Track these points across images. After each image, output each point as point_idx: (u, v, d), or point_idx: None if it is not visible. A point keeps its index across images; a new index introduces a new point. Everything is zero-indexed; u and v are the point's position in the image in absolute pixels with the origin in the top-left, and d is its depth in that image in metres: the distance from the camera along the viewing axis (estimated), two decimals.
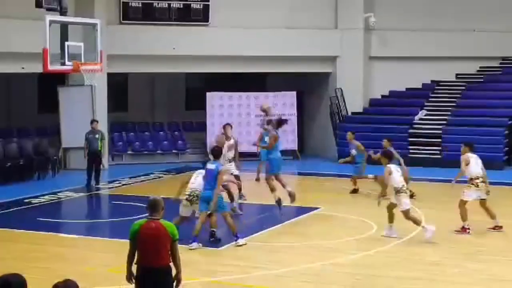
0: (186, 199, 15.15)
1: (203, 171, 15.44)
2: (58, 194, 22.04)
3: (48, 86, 28.08)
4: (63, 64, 18.49)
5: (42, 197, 21.23)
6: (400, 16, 31.33)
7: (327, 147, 30.64)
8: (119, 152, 29.79)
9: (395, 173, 15.81)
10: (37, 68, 18.76)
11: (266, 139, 24.58)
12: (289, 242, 15.71)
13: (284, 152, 29.06)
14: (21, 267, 11.15)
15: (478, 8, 31.75)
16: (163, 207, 9.02)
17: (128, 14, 28.30)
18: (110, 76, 27.49)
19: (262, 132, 25.34)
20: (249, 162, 27.14)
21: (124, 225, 15.77)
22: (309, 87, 32.50)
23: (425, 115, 30.05)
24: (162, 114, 32.91)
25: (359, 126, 29.66)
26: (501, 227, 16.37)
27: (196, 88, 33.59)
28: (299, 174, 27.65)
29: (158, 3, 28.56)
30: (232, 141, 19.14)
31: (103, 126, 25.63)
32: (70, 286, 6.12)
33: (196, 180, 15.37)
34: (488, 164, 25.26)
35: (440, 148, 28.38)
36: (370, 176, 21.57)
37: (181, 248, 9.25)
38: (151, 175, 25.76)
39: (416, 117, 29.92)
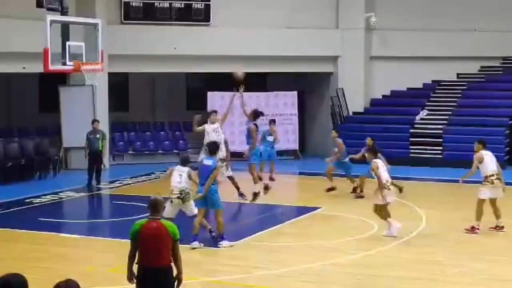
0: (178, 197, 15.10)
1: (184, 169, 15.39)
2: (59, 194, 22.05)
3: (49, 86, 28.10)
4: (64, 64, 18.48)
5: (43, 197, 21.24)
6: (401, 16, 31.34)
7: (328, 147, 30.52)
8: (120, 152, 29.80)
9: (381, 168, 15.97)
10: (38, 68, 18.76)
11: (269, 138, 24.70)
12: (289, 242, 15.71)
13: (285, 152, 29.34)
14: (22, 267, 11.15)
15: (479, 8, 31.76)
16: (164, 207, 9.03)
17: (129, 14, 28.30)
18: (111, 76, 27.50)
19: (263, 132, 25.45)
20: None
21: (125, 225, 15.78)
22: (310, 87, 32.50)
23: (426, 115, 30.05)
24: (163, 114, 32.91)
25: (360, 126, 29.71)
26: (502, 227, 16.36)
27: (197, 88, 33.58)
28: (300, 173, 27.67)
29: (159, 3, 28.57)
30: (216, 125, 19.25)
31: (104, 126, 25.64)
32: (71, 286, 6.12)
33: (182, 179, 15.33)
34: None
35: (441, 148, 28.37)
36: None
37: (181, 248, 9.25)
38: (152, 175, 25.75)
39: (417, 117, 29.92)
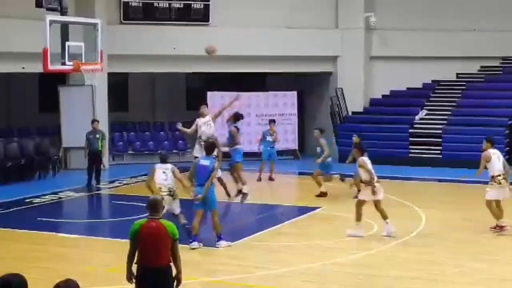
0: (168, 194, 15.15)
1: (167, 165, 15.58)
2: (59, 194, 22.05)
3: (49, 86, 28.09)
4: (64, 64, 18.46)
5: (42, 197, 21.24)
6: (401, 15, 31.34)
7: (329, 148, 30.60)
8: (120, 152, 29.78)
9: (368, 166, 16.03)
10: (38, 68, 18.73)
11: (268, 138, 24.72)
12: (289, 242, 15.72)
13: (284, 152, 29.34)
14: (21, 267, 11.15)
15: (478, 8, 31.76)
16: (164, 207, 9.03)
17: (128, 14, 28.29)
18: (111, 76, 27.49)
19: (263, 132, 25.48)
20: (249, 162, 27.21)
21: (125, 225, 15.76)
22: (309, 87, 32.51)
23: (425, 115, 30.05)
24: (162, 114, 32.90)
25: (360, 126, 29.68)
26: (502, 227, 16.33)
27: (197, 87, 33.58)
28: (300, 173, 27.66)
29: (158, 3, 28.57)
30: (207, 118, 19.42)
31: (103, 126, 25.64)
32: (71, 286, 6.12)
33: (167, 176, 15.43)
34: None
35: (440, 148, 28.37)
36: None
37: (181, 248, 9.26)
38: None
39: (417, 117, 29.92)
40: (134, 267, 8.99)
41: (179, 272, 9.02)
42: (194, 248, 14.54)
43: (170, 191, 15.25)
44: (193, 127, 19.55)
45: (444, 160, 27.64)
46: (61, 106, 27.27)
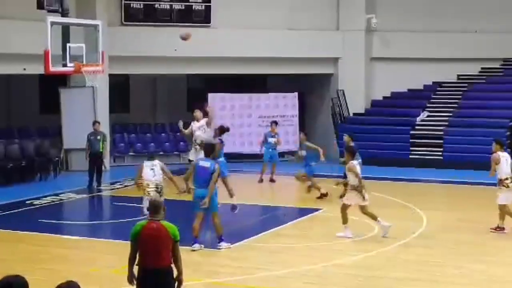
0: (155, 190, 15.41)
1: (155, 162, 15.98)
2: (60, 195, 22.04)
3: (50, 87, 28.10)
4: (65, 65, 18.50)
5: (43, 199, 21.23)
6: (402, 17, 31.34)
7: (329, 148, 30.59)
8: (121, 154, 29.78)
9: (358, 171, 16.01)
10: (39, 69, 18.77)
11: (270, 139, 24.69)
12: (290, 243, 15.72)
13: (285, 153, 29.31)
14: (23, 269, 11.16)
15: (479, 9, 31.76)
16: (165, 208, 9.04)
17: (129, 15, 28.29)
18: (112, 77, 27.50)
19: (265, 133, 25.47)
20: (250, 163, 27.25)
21: (126, 226, 15.78)
22: (310, 88, 32.51)
23: (426, 116, 30.05)
24: (163, 115, 32.91)
25: (361, 127, 29.71)
26: (503, 228, 16.32)
27: (198, 89, 33.59)
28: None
29: (159, 4, 28.57)
30: (202, 122, 19.34)
31: (104, 127, 25.65)
32: None
33: (155, 172, 15.83)
34: (490, 165, 25.43)
35: (441, 149, 28.36)
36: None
37: (182, 249, 9.25)
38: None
39: (418, 118, 29.92)
40: (135, 269, 8.99)
41: (180, 273, 9.02)
42: (195, 250, 14.54)
43: (157, 187, 15.67)
44: (189, 129, 19.62)
45: (445, 162, 27.64)
46: (62, 107, 27.28)
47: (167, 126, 32.07)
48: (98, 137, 23.63)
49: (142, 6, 28.39)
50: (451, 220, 18.15)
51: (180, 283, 9.04)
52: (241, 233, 16.38)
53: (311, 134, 32.02)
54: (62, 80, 27.22)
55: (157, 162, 16.10)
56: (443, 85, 31.91)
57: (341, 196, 20.13)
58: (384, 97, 31.90)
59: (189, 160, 18.74)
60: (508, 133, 27.95)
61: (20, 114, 30.77)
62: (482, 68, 32.52)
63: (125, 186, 23.85)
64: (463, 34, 31.42)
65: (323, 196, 20.75)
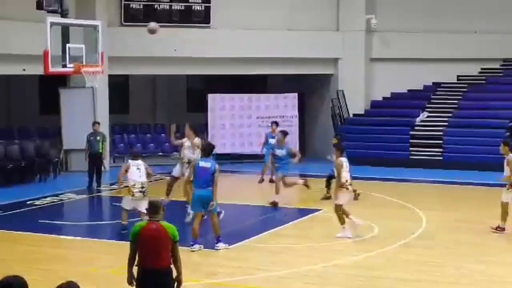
0: (140, 191, 15.63)
1: (139, 162, 16.18)
2: (60, 196, 22.04)
3: (50, 87, 28.09)
4: (64, 66, 18.49)
5: (43, 199, 21.23)
6: (402, 17, 31.34)
7: (329, 149, 30.56)
8: (121, 154, 29.73)
9: (345, 168, 16.09)
10: (38, 70, 18.76)
11: (271, 140, 24.65)
12: (290, 243, 15.71)
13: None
14: (23, 269, 11.15)
15: (479, 10, 31.76)
16: (164, 209, 9.03)
17: (129, 16, 28.26)
18: (111, 77, 27.48)
19: (266, 134, 25.43)
20: (250, 164, 27.25)
21: (126, 227, 15.84)
22: (310, 88, 32.49)
23: (426, 117, 30.04)
24: (163, 115, 32.88)
25: (361, 127, 29.74)
26: (503, 229, 16.29)
27: (197, 89, 33.62)
28: (301, 175, 27.57)
29: (159, 5, 28.56)
30: (197, 140, 18.31)
31: (104, 128, 25.63)
32: None
33: (141, 172, 16.02)
34: (490, 166, 25.45)
35: (441, 150, 28.35)
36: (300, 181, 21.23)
37: (181, 250, 9.24)
38: (152, 177, 25.67)
39: (418, 119, 29.91)
40: (135, 269, 8.98)
41: (179, 273, 9.01)
42: (195, 251, 14.53)
43: (142, 188, 15.92)
44: (179, 142, 18.81)
45: (445, 162, 27.62)
46: (62, 108, 27.27)
47: (166, 127, 32.02)
48: (98, 138, 23.63)
49: (141, 7, 28.38)
50: (450, 220, 18.14)
51: (179, 283, 9.03)
52: (241, 234, 16.38)
53: (311, 134, 32.14)
54: (62, 80, 27.21)
55: (141, 162, 16.30)
56: (443, 85, 31.90)
57: (326, 198, 20.17)
58: (384, 98, 31.89)
59: (173, 177, 18.38)
60: (507, 133, 27.93)
61: (20, 114, 30.77)
62: (482, 69, 32.52)
63: (125, 186, 23.82)
64: (463, 34, 31.41)
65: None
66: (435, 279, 12.81)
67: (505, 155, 16.43)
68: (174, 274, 8.99)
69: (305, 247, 15.34)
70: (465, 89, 31.35)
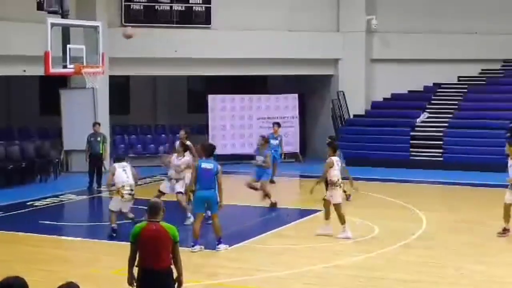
0: (129, 194, 15.76)
1: (124, 163, 16.28)
2: (60, 196, 22.04)
3: (50, 88, 28.11)
4: (65, 66, 18.49)
5: (44, 200, 21.23)
6: (402, 18, 31.33)
7: None
8: (125, 154, 29.72)
9: (336, 167, 16.06)
10: (39, 70, 18.77)
11: (273, 141, 24.64)
12: (291, 244, 15.71)
13: (286, 155, 29.28)
14: (23, 270, 11.17)
15: (479, 10, 31.76)
16: (164, 210, 9.03)
17: (129, 17, 28.27)
18: (112, 78, 27.48)
19: (268, 135, 25.38)
20: (250, 165, 27.20)
21: (126, 227, 15.81)
22: (310, 89, 32.50)
23: (427, 118, 30.04)
24: (163, 116, 32.89)
25: (361, 128, 29.74)
26: (508, 230, 16.15)
27: (198, 90, 33.63)
28: (301, 176, 27.63)
29: (160, 6, 28.57)
30: (183, 161, 17.62)
31: (105, 128, 25.64)
32: None
33: (128, 174, 16.11)
34: (490, 166, 25.49)
35: (441, 150, 28.35)
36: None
37: (182, 251, 9.24)
38: (153, 177, 25.73)
39: (418, 120, 29.91)
40: (135, 270, 8.98)
41: (180, 274, 9.01)
42: (196, 252, 14.54)
43: (131, 190, 16.05)
44: (168, 160, 18.11)
45: (445, 163, 27.62)
46: (62, 108, 27.28)
47: (167, 128, 32.05)
48: (98, 139, 23.65)
49: (142, 7, 28.40)
50: (451, 221, 18.14)
51: (180, 284, 9.03)
52: (241, 234, 16.38)
53: (312, 135, 32.13)
54: (62, 81, 27.22)
55: (127, 164, 16.40)
56: (443, 86, 31.90)
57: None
58: (384, 99, 31.88)
59: (159, 191, 18.14)
60: (508, 134, 27.93)
61: (20, 115, 30.79)
62: (482, 70, 32.51)
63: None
64: (464, 35, 31.42)
65: (267, 197, 20.12)
66: (435, 280, 12.82)
67: (510, 156, 16.27)
68: (175, 275, 8.99)
69: (306, 248, 15.34)
70: (465, 90, 31.35)
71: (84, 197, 22.45)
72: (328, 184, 16.16)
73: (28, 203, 20.64)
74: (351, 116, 30.92)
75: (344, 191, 19.32)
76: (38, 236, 16.48)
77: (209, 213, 15.36)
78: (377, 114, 30.84)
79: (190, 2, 28.87)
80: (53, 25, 17.88)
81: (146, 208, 9.17)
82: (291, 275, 13.16)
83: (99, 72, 19.53)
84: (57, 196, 22.04)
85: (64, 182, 24.76)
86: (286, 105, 30.33)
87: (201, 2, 28.96)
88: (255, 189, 20.16)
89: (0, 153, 24.88)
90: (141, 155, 29.92)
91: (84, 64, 18.84)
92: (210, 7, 29.07)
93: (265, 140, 20.61)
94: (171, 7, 28.69)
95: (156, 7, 28.58)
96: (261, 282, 12.73)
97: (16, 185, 23.64)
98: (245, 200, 20.33)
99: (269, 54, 29.40)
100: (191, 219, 16.70)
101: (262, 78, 32.81)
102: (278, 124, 25.49)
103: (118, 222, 16.28)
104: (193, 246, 14.59)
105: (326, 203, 16.19)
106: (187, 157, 17.76)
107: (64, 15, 18.56)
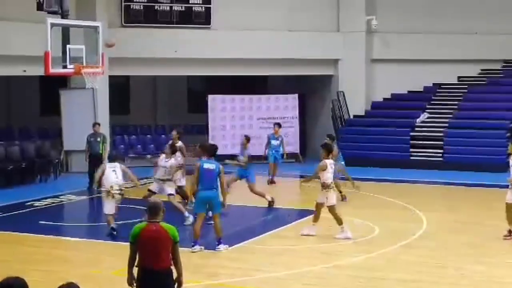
0: (119, 193, 15.89)
1: (115, 164, 16.33)
2: (60, 197, 22.05)
3: (50, 89, 28.11)
4: (65, 67, 18.50)
5: (44, 200, 21.23)
6: (402, 18, 31.33)
7: None
8: (121, 155, 29.71)
9: (329, 169, 16.04)
10: (39, 71, 18.77)
11: (273, 142, 24.64)
12: (290, 244, 15.70)
13: (286, 155, 29.27)
14: (23, 270, 11.18)
15: (479, 10, 31.76)
16: (164, 210, 9.03)
17: (129, 17, 28.28)
18: (112, 78, 27.47)
19: (269, 135, 25.37)
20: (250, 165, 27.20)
21: (126, 228, 15.78)
22: (310, 89, 32.49)
23: (427, 118, 30.04)
24: (163, 116, 32.91)
25: (361, 128, 29.73)
26: None
27: (198, 90, 33.64)
28: (301, 176, 27.58)
29: (159, 6, 28.57)
30: (170, 163, 17.80)
31: (104, 129, 25.64)
32: None
33: (117, 174, 16.20)
34: (490, 166, 25.51)
35: (442, 151, 28.35)
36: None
37: (182, 251, 9.24)
38: (153, 178, 25.70)
39: (418, 120, 29.91)
40: (135, 271, 8.98)
41: (179, 275, 9.01)
42: (196, 252, 14.54)
43: (121, 190, 16.16)
44: (155, 161, 18.44)
45: (445, 163, 27.63)
46: (62, 109, 27.28)
47: (167, 128, 32.03)
48: (98, 139, 23.66)
49: (142, 8, 28.40)
50: (451, 221, 18.14)
51: (180, 284, 9.03)
52: (241, 235, 16.38)
53: (312, 135, 32.11)
54: (62, 81, 27.22)
55: (117, 164, 16.43)
56: (443, 86, 31.91)
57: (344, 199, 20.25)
58: (384, 99, 31.88)
59: (149, 190, 18.21)
60: (508, 134, 27.95)
61: (20, 115, 30.79)
62: (482, 70, 32.52)
63: (125, 187, 23.84)
64: (463, 35, 31.42)
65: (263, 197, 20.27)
66: (435, 280, 12.82)
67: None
68: (175, 275, 8.99)
69: (305, 248, 15.33)
70: (465, 90, 31.34)
71: (84, 197, 22.45)
72: (322, 187, 16.12)
73: (28, 203, 20.64)
74: (351, 116, 30.92)
75: (340, 192, 19.39)
76: (38, 236, 16.48)
77: (210, 213, 15.37)
78: (377, 114, 30.84)
79: (190, 2, 28.87)
80: (53, 25, 17.89)
81: (145, 208, 9.17)
82: (290, 275, 13.16)
83: (99, 72, 19.54)
84: (57, 196, 22.04)
85: (64, 182, 24.77)
86: (286, 105, 30.34)
87: (201, 2, 28.96)
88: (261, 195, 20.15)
89: (0, 153, 24.88)
90: (141, 155, 29.86)
91: (84, 64, 18.85)
92: (210, 7, 29.07)
93: (247, 139, 20.40)
94: (171, 7, 28.69)
95: (156, 7, 28.58)
96: (261, 283, 12.74)
97: (16, 185, 23.65)
98: (244, 201, 20.31)
99: (269, 54, 29.40)
100: (191, 219, 16.71)
101: (262, 78, 32.81)
102: (279, 125, 25.47)
103: (117, 222, 16.27)
104: (193, 246, 14.59)
105: (318, 206, 16.19)
106: (174, 160, 17.90)
107: (64, 15, 18.57)
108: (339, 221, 15.96)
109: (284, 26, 30.10)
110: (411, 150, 28.79)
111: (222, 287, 12.59)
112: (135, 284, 8.98)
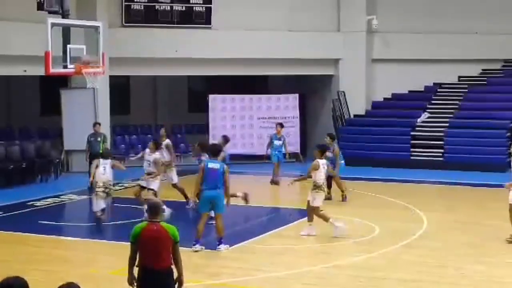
0: (103, 191, 16.01)
1: (107, 161, 16.77)
2: (61, 197, 22.06)
3: (50, 88, 28.12)
4: (65, 66, 18.50)
5: (44, 200, 21.24)
6: (403, 18, 31.33)
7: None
8: (121, 155, 29.74)
9: (322, 170, 16.11)
10: (39, 71, 18.77)
11: (276, 142, 24.63)
12: (291, 244, 15.71)
13: (289, 155, 29.26)
14: (23, 270, 11.18)
15: (480, 10, 31.76)
16: (164, 209, 9.03)
17: (130, 17, 28.28)
18: (112, 78, 27.47)
19: (271, 135, 25.36)
20: (250, 165, 27.24)
21: (126, 227, 15.78)
22: (311, 89, 32.49)
23: (427, 118, 30.03)
24: (164, 116, 32.89)
25: (361, 128, 29.72)
26: None
27: (198, 90, 33.63)
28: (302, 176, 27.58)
29: (160, 6, 28.57)
30: (154, 156, 18.23)
31: (105, 128, 25.65)
32: None
33: (106, 171, 16.62)
34: (490, 166, 25.51)
35: (442, 150, 28.34)
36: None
37: (182, 251, 9.24)
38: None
39: (419, 120, 29.90)
40: (136, 270, 8.98)
41: (180, 274, 9.02)
42: (197, 251, 14.54)
43: (105, 188, 16.64)
44: (139, 156, 19.25)
45: (446, 163, 27.62)
46: (63, 108, 27.29)
47: (167, 128, 32.01)
48: (99, 139, 23.66)
49: (142, 7, 28.40)
50: (451, 221, 18.14)
51: (180, 284, 9.03)
52: (242, 234, 16.39)
53: (312, 135, 32.11)
54: (62, 81, 27.22)
55: (108, 161, 16.87)
56: (444, 86, 31.90)
57: (327, 199, 20.11)
58: (385, 98, 31.88)
59: (139, 186, 18.37)
60: (508, 134, 27.95)
61: (20, 115, 30.79)
62: (482, 70, 32.52)
63: (125, 187, 23.85)
64: (464, 35, 31.42)
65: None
66: (435, 280, 12.82)
67: None
68: (175, 274, 8.99)
69: (306, 248, 15.35)
70: (466, 90, 31.34)
71: (85, 197, 22.42)
72: (313, 186, 16.16)
73: (28, 203, 20.65)
74: (352, 116, 30.92)
75: (342, 191, 19.41)
76: (38, 236, 16.49)
77: (212, 213, 15.38)
78: (378, 114, 30.83)
79: (190, 2, 28.88)
80: (53, 25, 17.88)
81: (145, 208, 9.18)
82: (291, 275, 13.17)
83: (100, 72, 19.54)
84: (57, 196, 22.06)
85: (65, 182, 24.77)
86: (287, 105, 30.33)
87: (201, 2, 28.97)
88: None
89: (0, 153, 24.89)
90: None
91: (87, 61, 18.86)
92: (210, 7, 29.07)
93: (226, 139, 20.25)
94: (171, 7, 28.69)
95: (157, 7, 28.58)
96: (261, 282, 12.74)
97: (16, 185, 23.66)
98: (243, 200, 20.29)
99: (269, 54, 29.40)
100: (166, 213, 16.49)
101: (262, 78, 32.82)
102: (281, 125, 25.42)
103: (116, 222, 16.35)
104: (194, 245, 14.59)
105: (309, 205, 16.21)
106: (158, 154, 18.41)
107: (64, 15, 18.57)
108: (325, 219, 15.98)
109: (285, 26, 30.10)
110: (412, 149, 28.79)
111: (222, 287, 12.59)
112: (135, 284, 8.98)
